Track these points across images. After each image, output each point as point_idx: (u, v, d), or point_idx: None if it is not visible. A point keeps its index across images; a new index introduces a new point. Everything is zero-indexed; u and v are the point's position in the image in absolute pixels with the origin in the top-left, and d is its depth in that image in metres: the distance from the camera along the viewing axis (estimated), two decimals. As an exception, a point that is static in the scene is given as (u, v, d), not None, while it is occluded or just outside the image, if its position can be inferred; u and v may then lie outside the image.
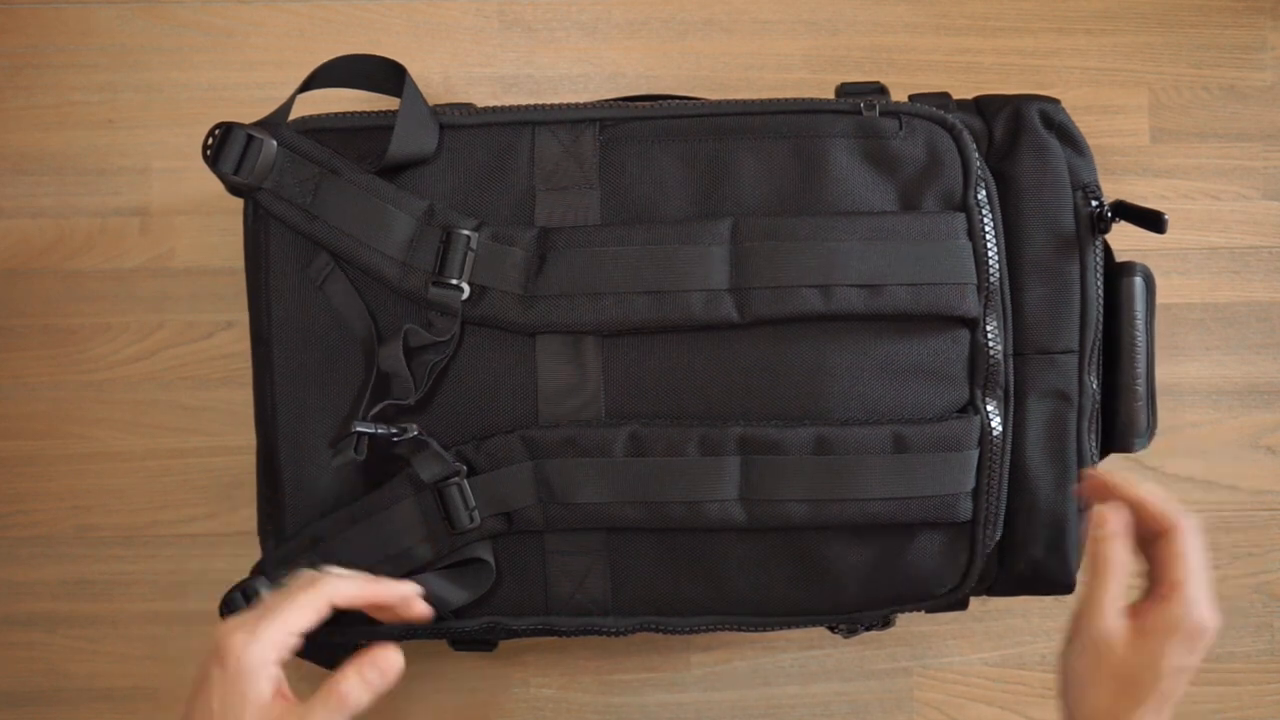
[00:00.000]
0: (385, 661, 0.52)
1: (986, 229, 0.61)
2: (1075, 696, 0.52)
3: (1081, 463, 0.64)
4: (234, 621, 0.50)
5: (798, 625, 0.64)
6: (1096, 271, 0.63)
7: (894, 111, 0.62)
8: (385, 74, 0.64)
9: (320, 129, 0.62)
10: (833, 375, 0.60)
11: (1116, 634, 0.51)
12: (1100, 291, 0.63)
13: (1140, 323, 0.64)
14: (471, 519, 0.60)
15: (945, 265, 0.60)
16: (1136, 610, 0.52)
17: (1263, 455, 0.79)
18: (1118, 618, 0.52)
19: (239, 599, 0.61)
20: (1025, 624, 0.79)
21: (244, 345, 0.65)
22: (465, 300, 0.60)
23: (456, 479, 0.60)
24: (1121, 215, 0.63)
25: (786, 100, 0.63)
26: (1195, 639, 0.51)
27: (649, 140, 0.62)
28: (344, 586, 0.53)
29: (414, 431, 0.59)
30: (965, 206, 0.61)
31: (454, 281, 0.60)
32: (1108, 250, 0.64)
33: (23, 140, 0.76)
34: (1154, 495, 0.54)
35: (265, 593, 0.60)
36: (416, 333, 0.59)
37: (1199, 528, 0.53)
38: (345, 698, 0.50)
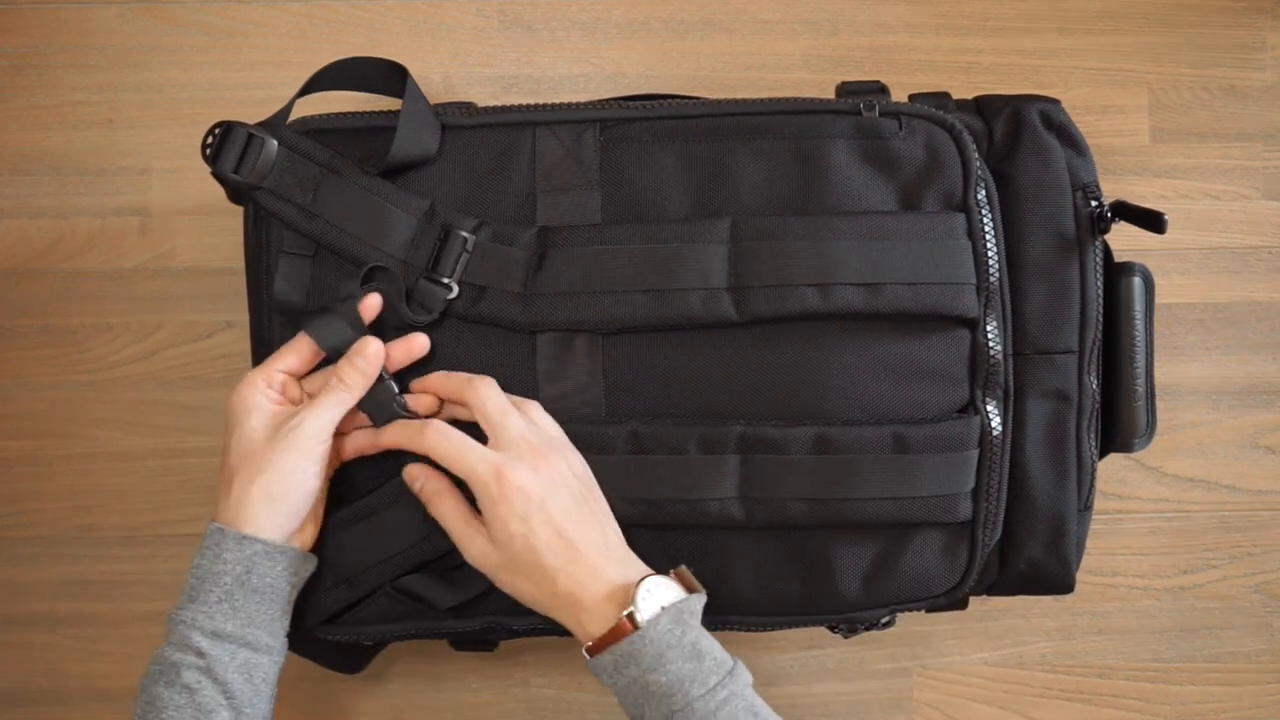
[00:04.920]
0: (367, 348, 0.58)
1: (986, 229, 0.61)
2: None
3: (1081, 463, 0.64)
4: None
5: (798, 625, 0.64)
6: (1096, 272, 0.63)
7: (894, 111, 0.62)
8: (386, 75, 0.64)
9: (321, 129, 0.62)
10: (833, 375, 0.60)
11: (487, 558, 0.57)
12: (1100, 292, 0.63)
13: (1140, 323, 0.64)
14: (471, 519, 0.60)
15: (945, 265, 0.60)
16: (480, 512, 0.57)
17: (1262, 455, 0.79)
18: (484, 544, 0.57)
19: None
20: (1025, 624, 0.79)
21: (244, 345, 0.65)
22: (462, 299, 0.60)
23: (456, 479, 0.60)
24: (1121, 215, 0.63)
25: (786, 100, 0.63)
26: (513, 502, 0.55)
27: (649, 140, 0.62)
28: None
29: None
30: (965, 206, 0.61)
31: (445, 280, 0.60)
32: (1107, 250, 0.64)
33: (23, 140, 0.77)
34: (490, 396, 0.58)
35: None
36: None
37: (487, 387, 0.58)
38: (343, 380, 0.57)
